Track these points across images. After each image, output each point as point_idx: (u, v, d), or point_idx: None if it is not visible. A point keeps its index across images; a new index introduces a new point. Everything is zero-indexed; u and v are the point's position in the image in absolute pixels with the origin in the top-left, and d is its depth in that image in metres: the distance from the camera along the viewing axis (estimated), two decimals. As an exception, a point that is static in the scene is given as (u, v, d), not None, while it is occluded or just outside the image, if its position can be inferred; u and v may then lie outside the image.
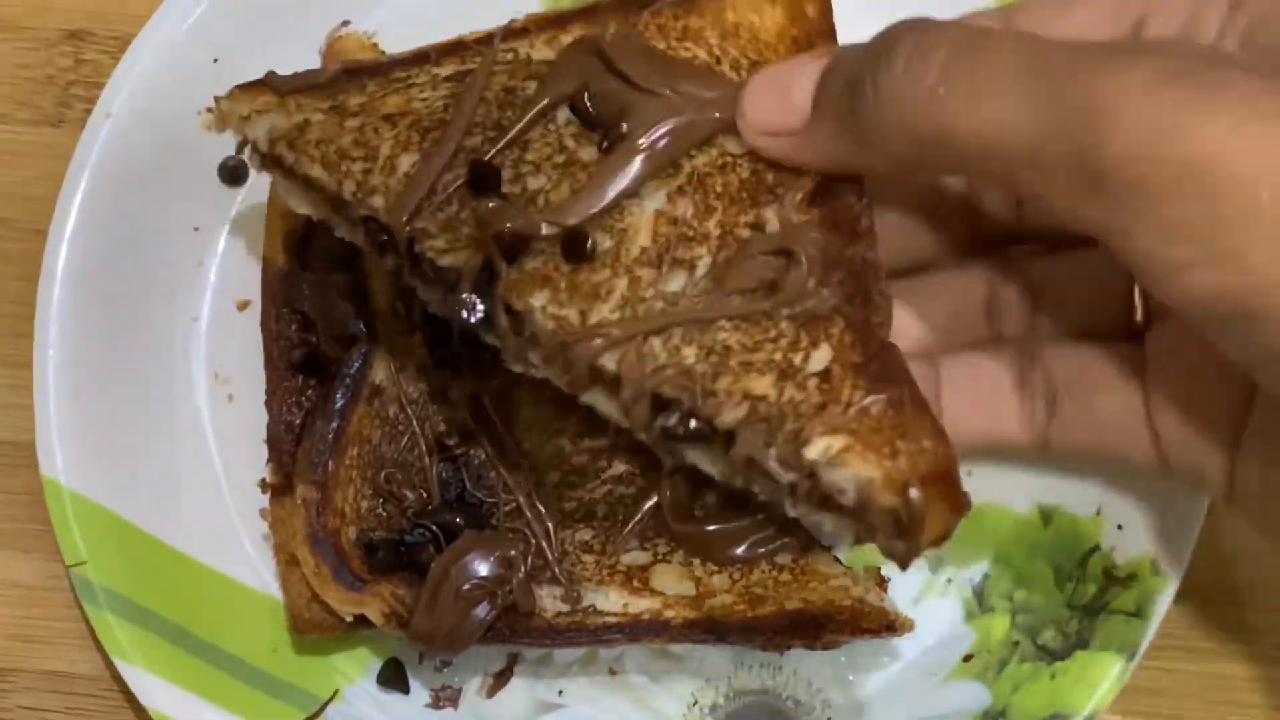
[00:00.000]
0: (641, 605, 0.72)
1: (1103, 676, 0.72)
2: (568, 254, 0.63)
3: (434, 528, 0.73)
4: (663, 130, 0.65)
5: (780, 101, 0.62)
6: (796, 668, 0.76)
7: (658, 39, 0.68)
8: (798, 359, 0.60)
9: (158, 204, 0.79)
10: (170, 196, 0.79)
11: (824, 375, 0.59)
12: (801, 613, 0.71)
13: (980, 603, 0.76)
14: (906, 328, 0.69)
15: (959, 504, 0.57)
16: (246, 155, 0.69)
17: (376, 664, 0.77)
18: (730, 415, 0.59)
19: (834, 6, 0.68)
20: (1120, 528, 0.74)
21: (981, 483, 0.77)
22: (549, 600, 0.72)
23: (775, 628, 0.71)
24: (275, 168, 0.68)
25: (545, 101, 0.66)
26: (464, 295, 0.63)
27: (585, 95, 0.66)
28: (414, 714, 0.76)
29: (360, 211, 0.65)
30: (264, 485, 0.76)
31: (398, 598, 0.72)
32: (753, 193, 0.64)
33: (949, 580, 0.77)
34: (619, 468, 0.75)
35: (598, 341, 0.60)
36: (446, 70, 0.68)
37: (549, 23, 0.69)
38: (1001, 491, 0.77)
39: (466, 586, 0.71)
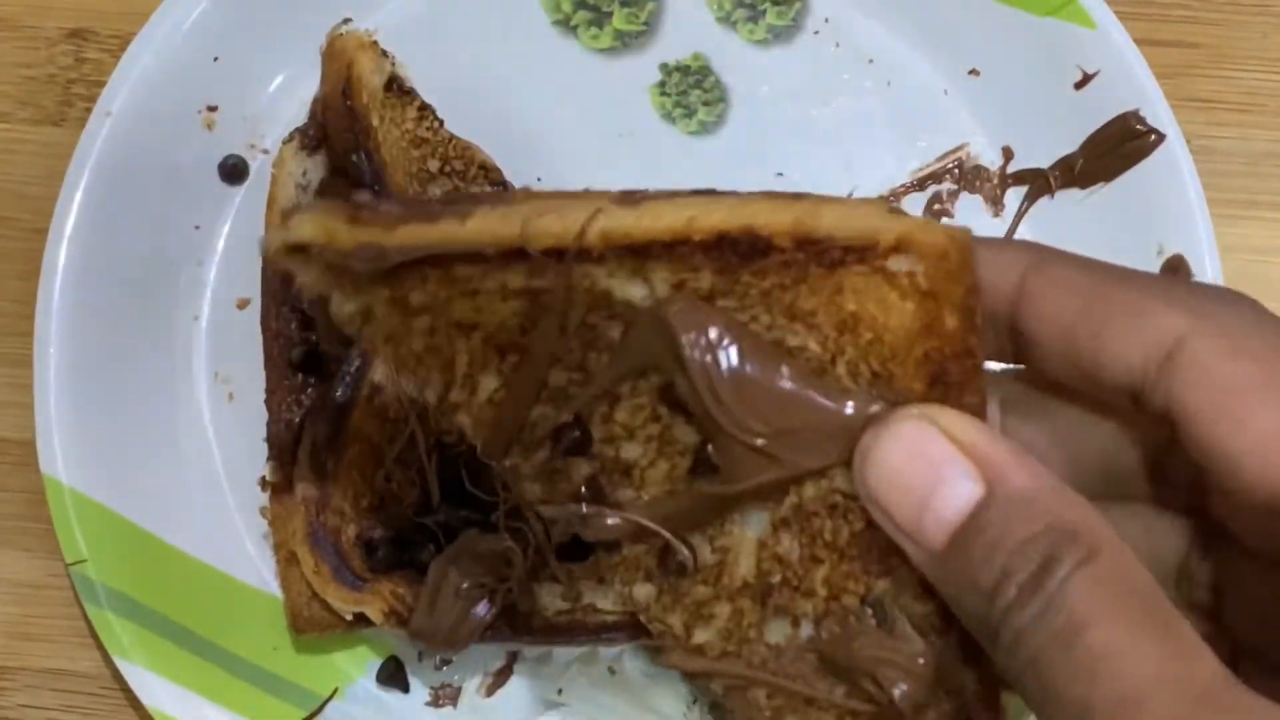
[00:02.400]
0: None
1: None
2: (662, 564, 0.55)
3: (434, 526, 0.73)
4: (756, 483, 0.53)
5: (912, 504, 0.48)
6: (796, 666, 0.76)
7: (761, 309, 0.51)
8: None
9: (158, 202, 0.79)
10: (171, 195, 0.79)
11: None
12: (801, 611, 0.71)
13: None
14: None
15: None
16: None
17: (376, 662, 0.77)
18: None
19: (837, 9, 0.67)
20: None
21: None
22: (549, 599, 0.72)
23: (775, 627, 0.71)
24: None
25: (624, 371, 0.54)
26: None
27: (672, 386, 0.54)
28: (414, 712, 0.76)
29: (444, 424, 0.59)
30: (264, 483, 0.76)
31: (398, 596, 0.72)
32: (864, 553, 0.52)
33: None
34: (619, 466, 0.75)
35: (703, 664, 0.55)
36: (515, 282, 0.53)
37: (629, 252, 0.52)
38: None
39: (466, 585, 0.71)
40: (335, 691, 0.76)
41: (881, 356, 0.50)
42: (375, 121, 0.77)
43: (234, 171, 0.81)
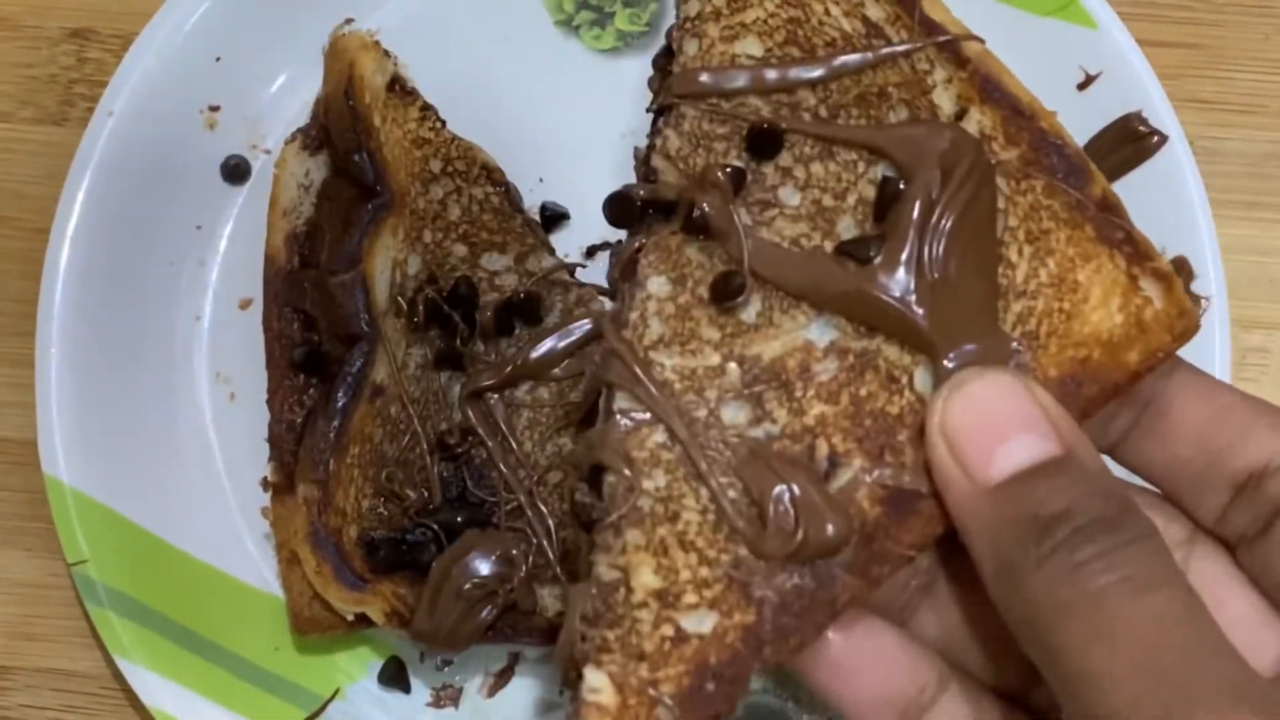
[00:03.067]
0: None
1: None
2: (713, 287, 0.55)
3: (435, 527, 0.73)
4: (905, 299, 0.53)
5: (986, 440, 0.50)
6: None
7: (1022, 215, 0.55)
8: (688, 599, 0.52)
9: (160, 202, 0.79)
10: (172, 195, 0.79)
11: (679, 638, 0.51)
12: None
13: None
14: None
15: None
16: None
17: (378, 663, 0.77)
18: (601, 568, 0.52)
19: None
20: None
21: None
22: (550, 599, 0.72)
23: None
24: None
25: None
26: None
27: (900, 184, 0.55)
28: (415, 713, 0.76)
29: None
30: (265, 484, 0.76)
31: (399, 597, 0.72)
32: (876, 429, 0.53)
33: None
34: (620, 467, 0.75)
35: (624, 373, 0.54)
36: None
37: None
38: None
39: (468, 586, 0.71)
40: (337, 692, 0.76)
41: (1057, 329, 0.53)
42: (377, 122, 0.77)
43: (236, 171, 0.81)
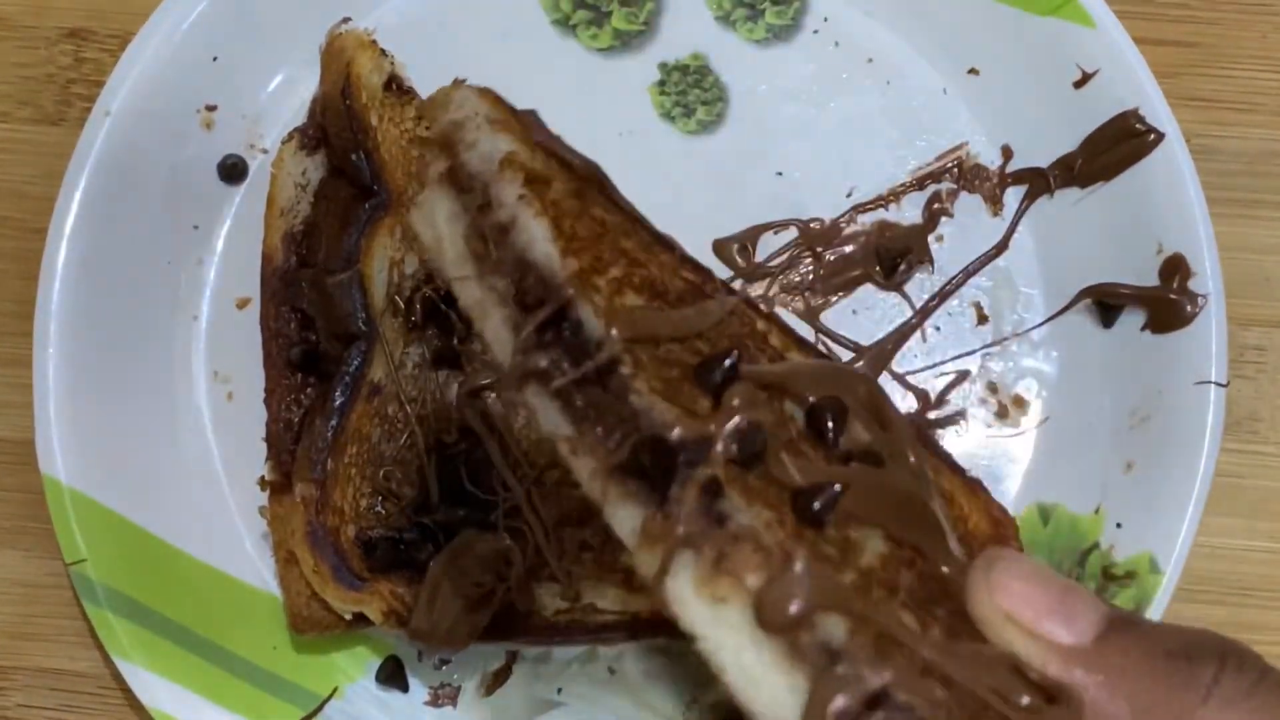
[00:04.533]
0: (641, 603, 0.72)
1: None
2: (796, 507, 0.50)
3: (433, 526, 0.73)
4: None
5: (1055, 609, 0.50)
6: (795, 666, 0.76)
7: None
8: None
9: (157, 202, 0.79)
10: (170, 194, 0.79)
11: None
12: (800, 611, 0.71)
13: (979, 601, 0.76)
14: None
15: None
16: None
17: (376, 662, 0.77)
18: None
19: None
20: (1119, 526, 0.74)
21: (981, 480, 0.77)
22: (548, 598, 0.72)
23: (774, 626, 0.71)
24: None
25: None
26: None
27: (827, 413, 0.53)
28: (413, 712, 0.76)
29: None
30: (263, 483, 0.76)
31: (397, 596, 0.72)
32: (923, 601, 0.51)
33: (948, 578, 0.77)
34: (618, 466, 0.75)
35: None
36: None
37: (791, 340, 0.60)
38: (1001, 489, 0.78)
39: (466, 585, 0.71)
40: (335, 691, 0.76)
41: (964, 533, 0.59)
42: (374, 121, 0.77)
43: (233, 171, 0.81)
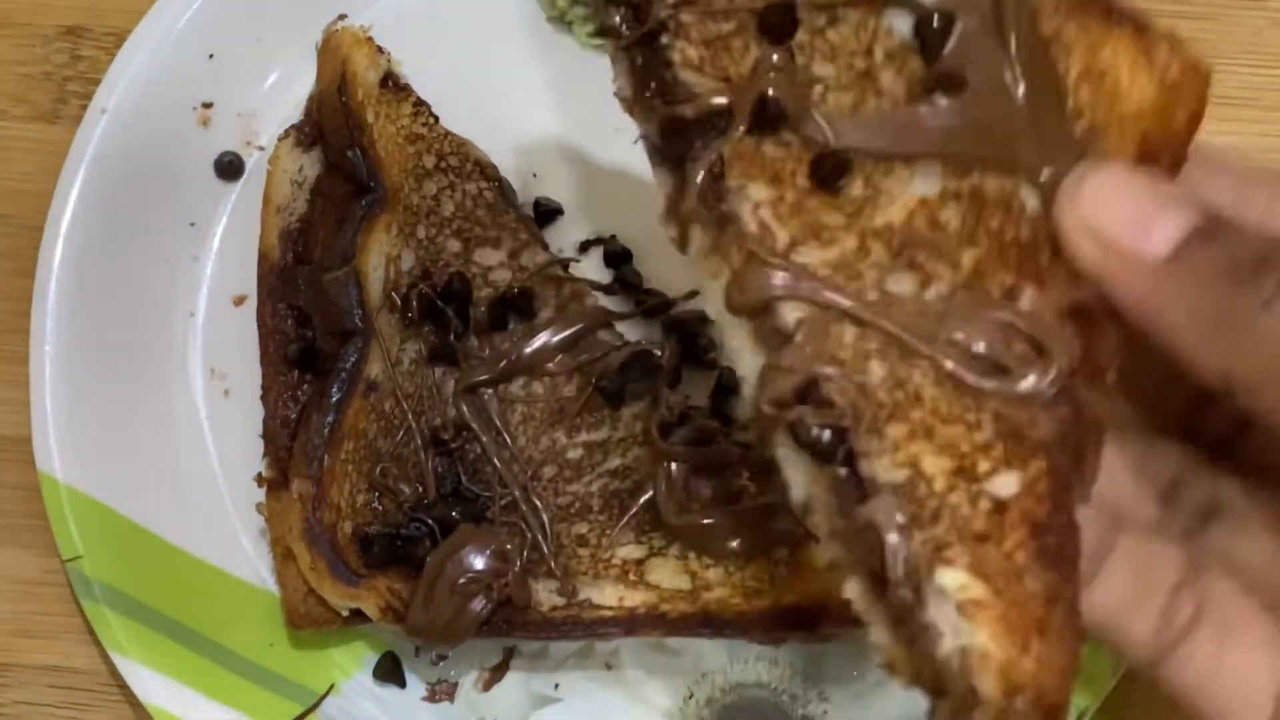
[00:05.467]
0: (637, 599, 0.72)
1: (1099, 673, 0.72)
2: (815, 174, 0.53)
3: (430, 522, 0.73)
4: (987, 127, 0.53)
5: (1135, 220, 0.50)
6: (793, 661, 0.76)
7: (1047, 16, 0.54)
8: (984, 467, 0.50)
9: (154, 199, 0.79)
10: (166, 192, 0.79)
11: (999, 507, 0.50)
12: (798, 606, 0.71)
13: (975, 596, 0.76)
14: None
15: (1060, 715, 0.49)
16: None
17: (373, 658, 0.77)
18: (883, 470, 0.50)
19: None
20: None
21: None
22: (545, 594, 0.73)
23: (771, 621, 0.71)
24: None
25: None
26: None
27: (946, 21, 0.53)
28: (410, 707, 0.76)
29: None
30: (260, 480, 0.76)
31: (394, 592, 0.72)
32: (1023, 257, 0.52)
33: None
34: (614, 461, 0.75)
35: (788, 281, 0.51)
36: None
37: None
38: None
39: (462, 580, 0.71)
40: (332, 687, 0.76)
41: (1107, 114, 0.53)
42: (370, 118, 0.77)
43: (229, 168, 0.81)
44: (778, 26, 0.54)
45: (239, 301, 0.80)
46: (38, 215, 0.77)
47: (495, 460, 0.74)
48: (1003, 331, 0.51)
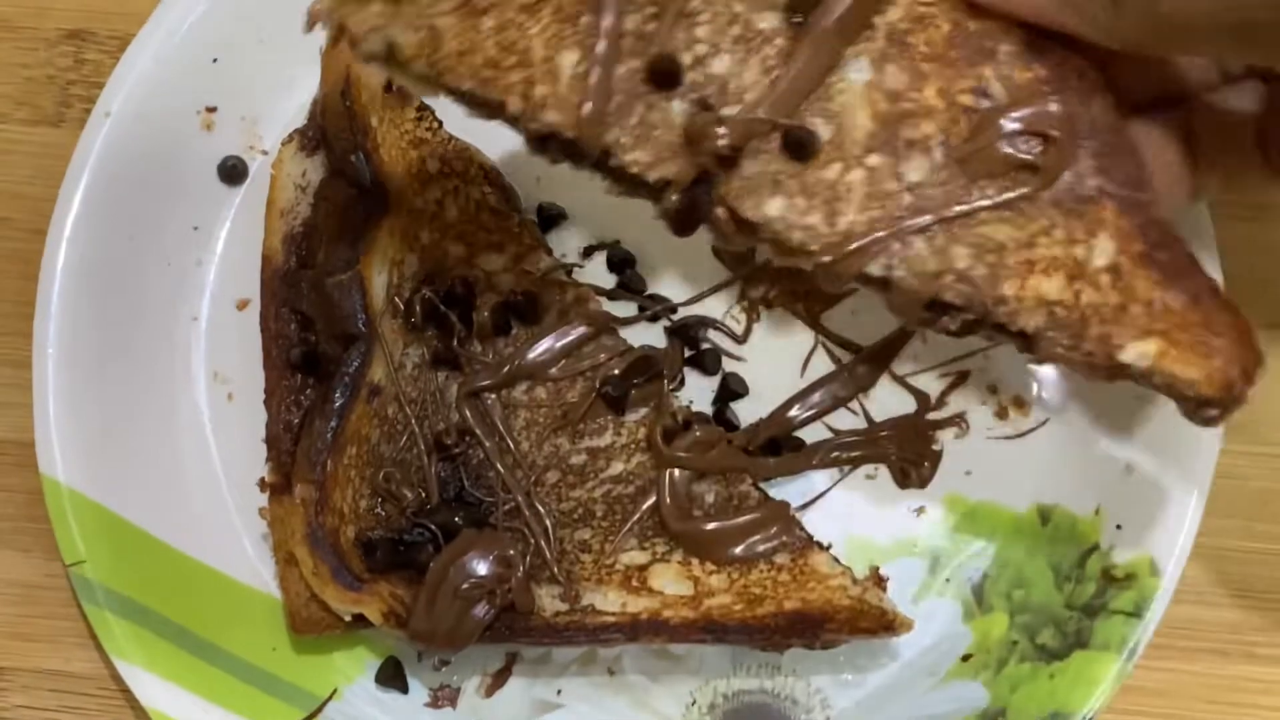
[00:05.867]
0: (640, 605, 0.72)
1: (1101, 676, 0.72)
2: (793, 153, 0.59)
3: (433, 527, 0.73)
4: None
5: None
6: (795, 667, 0.76)
7: None
8: (1080, 253, 0.59)
9: (157, 203, 0.79)
10: (169, 195, 0.79)
11: (1114, 270, 0.59)
12: (800, 612, 0.71)
13: (979, 602, 0.77)
14: None
15: (1260, 371, 0.60)
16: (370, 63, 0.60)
17: (375, 663, 0.77)
18: (1029, 321, 0.59)
19: None
20: (1119, 527, 0.74)
21: (980, 481, 0.77)
22: (548, 600, 0.73)
23: (774, 627, 0.71)
24: (404, 72, 0.60)
25: None
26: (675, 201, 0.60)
27: None
28: (413, 713, 0.76)
29: (535, 128, 0.60)
30: (263, 484, 0.76)
31: (396, 597, 0.72)
32: (961, 50, 0.59)
33: (947, 579, 0.77)
34: (617, 467, 0.75)
35: (867, 247, 0.58)
36: None
37: None
38: (1000, 490, 0.78)
39: (465, 586, 0.71)
40: (334, 692, 0.76)
41: None
42: (374, 122, 0.77)
43: (233, 172, 0.81)
44: (665, 78, 0.59)
45: (242, 305, 0.80)
46: (40, 219, 0.77)
47: (498, 465, 0.74)
48: (1008, 141, 0.58)
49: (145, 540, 0.76)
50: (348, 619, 0.73)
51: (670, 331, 0.79)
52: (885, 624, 0.71)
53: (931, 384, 0.80)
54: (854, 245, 0.58)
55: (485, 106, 0.60)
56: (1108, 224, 0.59)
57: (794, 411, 0.78)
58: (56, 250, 0.76)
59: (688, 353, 0.79)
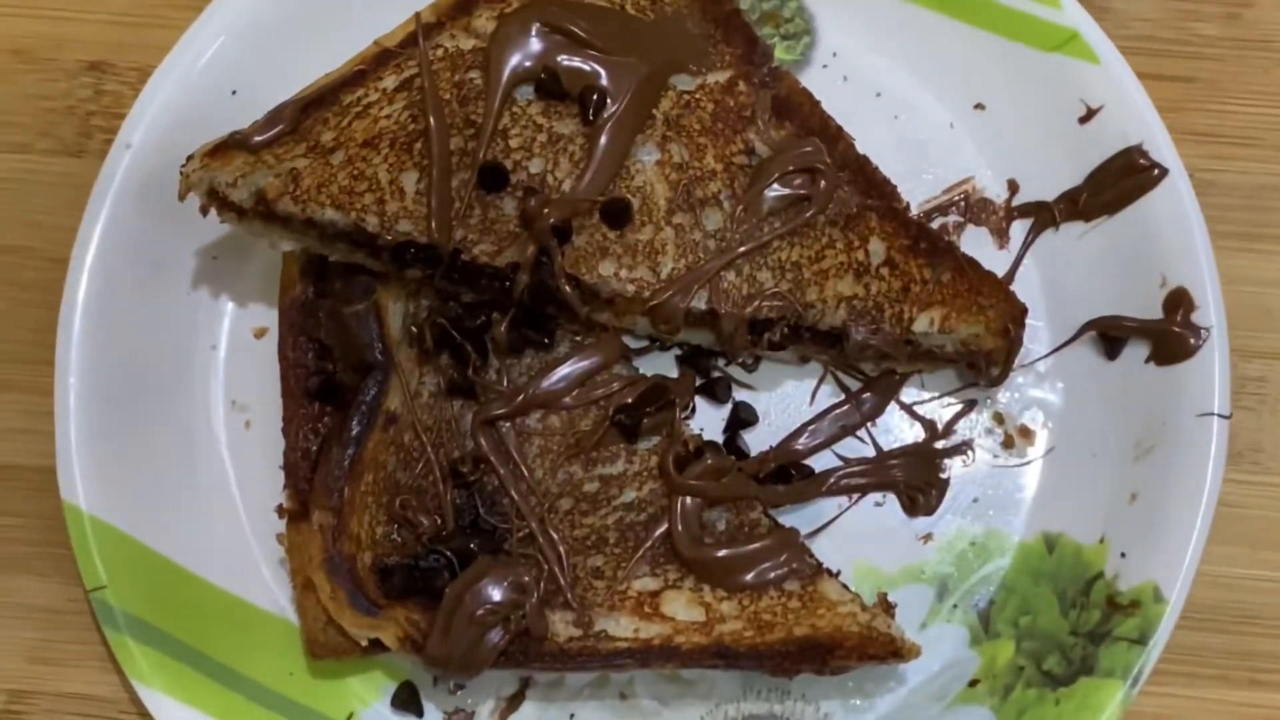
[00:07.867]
0: (652, 631, 0.73)
1: (1106, 702, 0.73)
2: (612, 222, 0.73)
3: (448, 553, 0.74)
4: (633, 88, 0.76)
5: None
6: (804, 692, 0.77)
7: None
8: (860, 256, 0.76)
9: (176, 233, 0.80)
10: (189, 226, 0.80)
11: (889, 263, 0.76)
12: (810, 639, 0.72)
13: (986, 628, 0.77)
14: None
15: (1024, 318, 0.77)
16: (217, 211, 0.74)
17: (391, 687, 0.77)
18: (835, 317, 0.75)
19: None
20: (1123, 555, 0.75)
21: (986, 509, 0.78)
22: (561, 625, 0.73)
23: (784, 653, 0.72)
24: (271, 221, 0.74)
25: (504, 85, 0.74)
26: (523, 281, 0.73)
27: (545, 73, 0.75)
28: (428, 737, 0.77)
29: (390, 239, 0.72)
30: (281, 511, 0.76)
31: (412, 622, 0.72)
32: (725, 122, 0.77)
33: (955, 606, 0.78)
34: (630, 495, 0.76)
35: (681, 290, 0.73)
36: (390, 82, 0.75)
37: (456, 9, 0.77)
38: (1006, 518, 0.79)
39: (480, 611, 0.72)
40: (350, 716, 0.76)
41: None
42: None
43: (251, 202, 0.82)
44: (496, 178, 0.73)
45: (260, 334, 0.81)
46: (61, 248, 0.78)
47: (513, 493, 0.75)
48: (781, 182, 0.75)
49: (165, 565, 0.77)
50: (364, 644, 0.73)
51: (682, 360, 0.80)
52: (893, 650, 0.72)
53: (939, 413, 0.81)
54: (677, 287, 0.74)
55: (346, 236, 0.74)
56: (875, 229, 0.76)
57: (803, 440, 0.80)
58: (78, 280, 0.77)
59: (699, 381, 0.80)
